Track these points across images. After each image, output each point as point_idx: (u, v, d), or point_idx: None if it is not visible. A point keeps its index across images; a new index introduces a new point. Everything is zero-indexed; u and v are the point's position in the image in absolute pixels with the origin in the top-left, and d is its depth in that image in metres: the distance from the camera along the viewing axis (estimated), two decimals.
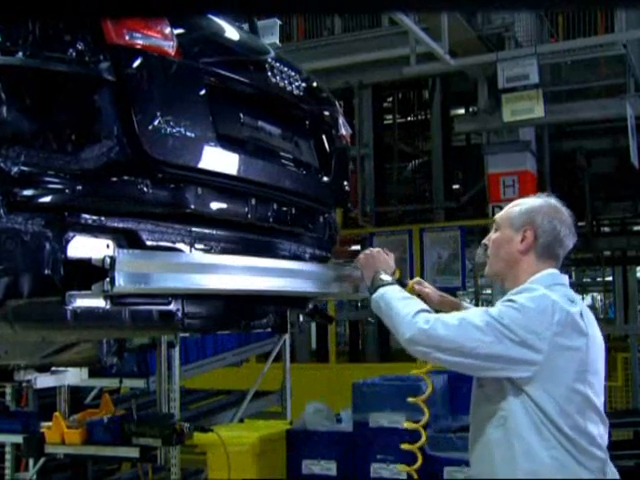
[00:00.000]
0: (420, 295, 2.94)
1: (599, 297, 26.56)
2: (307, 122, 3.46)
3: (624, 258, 16.95)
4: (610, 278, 20.40)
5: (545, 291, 2.52)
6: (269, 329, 3.64)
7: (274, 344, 7.48)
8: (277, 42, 5.88)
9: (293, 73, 3.26)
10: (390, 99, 13.91)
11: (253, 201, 2.98)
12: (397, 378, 6.63)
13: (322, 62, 10.00)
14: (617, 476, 2.64)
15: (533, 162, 9.48)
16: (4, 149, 2.32)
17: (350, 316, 13.55)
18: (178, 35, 2.63)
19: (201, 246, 2.73)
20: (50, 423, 5.55)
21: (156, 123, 2.49)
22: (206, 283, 2.57)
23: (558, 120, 9.61)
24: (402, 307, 2.61)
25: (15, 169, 2.31)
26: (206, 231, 2.76)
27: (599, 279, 23.65)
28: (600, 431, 2.56)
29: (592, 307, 26.76)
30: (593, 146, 12.31)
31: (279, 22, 6.01)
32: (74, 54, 2.39)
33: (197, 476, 6.37)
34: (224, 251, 2.80)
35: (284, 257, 3.17)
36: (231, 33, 3.15)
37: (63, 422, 5.50)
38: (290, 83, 3.20)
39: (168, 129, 2.52)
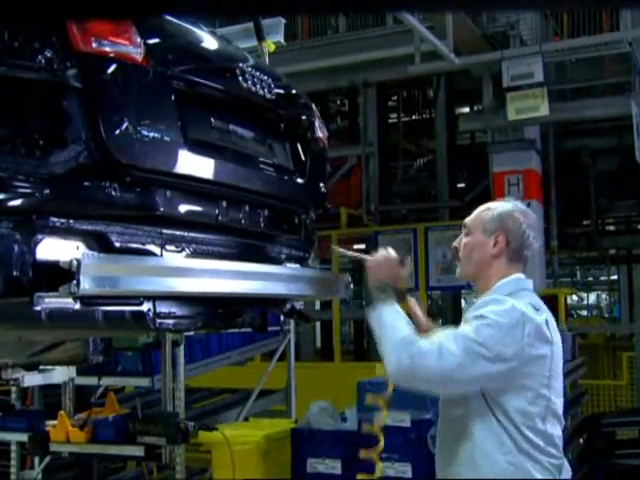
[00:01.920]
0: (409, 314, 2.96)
1: (604, 296, 26.50)
2: (282, 125, 3.52)
3: (629, 257, 16.93)
4: (615, 277, 20.37)
5: (513, 302, 2.61)
6: (247, 328, 3.69)
7: (279, 343, 7.48)
8: (282, 41, 5.89)
9: (267, 79, 3.32)
10: (395, 98, 13.89)
11: (224, 203, 3.03)
12: None
13: (327, 61, 10.00)
14: (570, 474, 2.75)
15: (538, 161, 9.46)
16: None
17: (355, 315, 13.54)
18: (146, 42, 2.68)
19: (172, 248, 2.78)
20: (55, 422, 5.56)
21: (123, 128, 2.55)
22: (172, 285, 2.64)
23: (563, 118, 9.60)
24: (390, 334, 2.65)
25: None
26: (177, 233, 2.81)
27: (604, 278, 23.58)
28: (557, 432, 2.69)
29: (597, 306, 26.73)
30: (598, 144, 12.29)
31: (283, 21, 6.02)
32: (42, 61, 2.45)
33: (202, 475, 6.38)
34: (196, 253, 2.84)
35: (258, 258, 3.20)
36: (201, 40, 3.22)
37: (68, 421, 5.51)
38: (263, 88, 3.25)
39: (135, 134, 2.58)
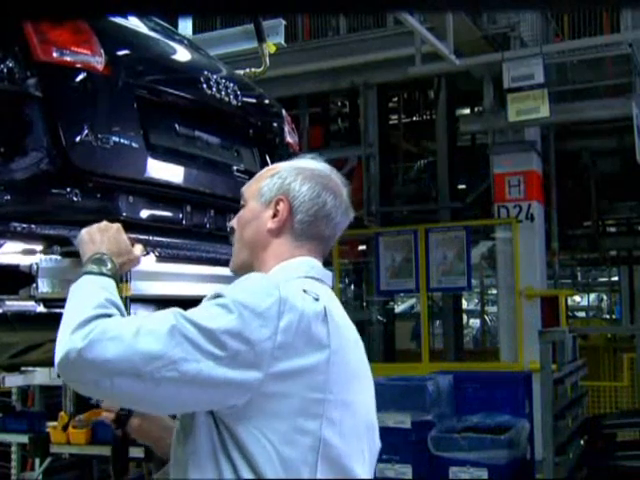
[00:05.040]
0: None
1: (605, 297, 26.51)
2: (250, 132, 3.60)
3: (630, 258, 16.93)
4: (616, 278, 20.38)
5: (273, 280, 1.75)
6: None
7: None
8: (282, 42, 5.90)
9: (234, 87, 3.38)
10: (395, 99, 13.90)
11: (188, 208, 3.08)
12: (402, 378, 6.63)
13: (327, 62, 10.01)
14: None
15: (539, 162, 9.46)
16: None
17: (356, 317, 13.54)
18: (108, 51, 2.73)
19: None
20: (55, 423, 5.56)
21: (84, 135, 2.60)
22: (135, 288, 2.66)
23: (564, 120, 9.60)
24: (75, 311, 1.75)
25: None
26: (141, 237, 2.84)
27: (604, 279, 23.61)
28: None
29: (597, 307, 26.73)
30: (599, 146, 12.28)
31: (284, 22, 6.02)
32: (4, 71, 2.50)
33: None
34: (162, 256, 2.89)
35: (226, 262, 3.25)
36: (166, 48, 3.31)
37: (68, 422, 5.51)
38: (229, 95, 3.32)
39: (96, 141, 2.63)
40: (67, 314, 1.76)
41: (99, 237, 2.01)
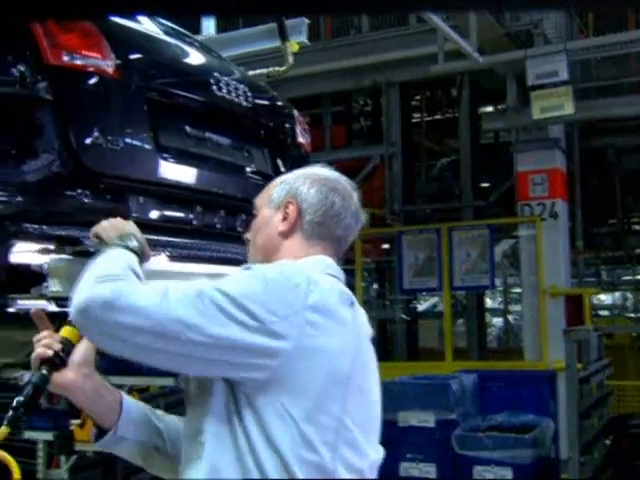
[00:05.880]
0: None
1: (630, 295, 26.29)
2: (261, 132, 3.63)
3: None
4: None
5: (301, 267, 1.78)
6: None
7: None
8: (305, 41, 5.90)
9: (245, 88, 3.42)
10: (418, 97, 13.86)
11: (198, 208, 3.10)
12: (426, 377, 6.62)
13: (350, 61, 10.00)
14: None
15: (563, 160, 9.40)
16: None
17: (378, 315, 13.54)
18: (118, 54, 2.77)
19: None
20: (79, 420, 5.60)
21: (94, 137, 2.65)
22: None
23: (588, 117, 9.53)
24: (99, 268, 1.71)
25: None
26: (152, 237, 2.87)
27: (629, 277, 23.39)
28: (356, 475, 1.74)
29: (622, 306, 26.50)
30: (623, 143, 12.18)
31: (307, 21, 6.02)
32: (16, 75, 2.55)
33: None
34: (172, 256, 2.90)
35: (237, 261, 3.28)
36: (176, 51, 3.32)
37: (92, 420, 5.54)
38: (239, 97, 3.35)
39: (106, 143, 2.67)
40: (92, 269, 1.71)
41: (121, 225, 1.97)
